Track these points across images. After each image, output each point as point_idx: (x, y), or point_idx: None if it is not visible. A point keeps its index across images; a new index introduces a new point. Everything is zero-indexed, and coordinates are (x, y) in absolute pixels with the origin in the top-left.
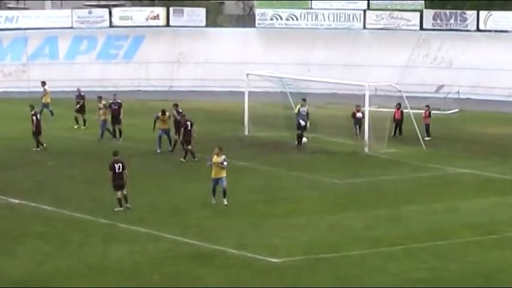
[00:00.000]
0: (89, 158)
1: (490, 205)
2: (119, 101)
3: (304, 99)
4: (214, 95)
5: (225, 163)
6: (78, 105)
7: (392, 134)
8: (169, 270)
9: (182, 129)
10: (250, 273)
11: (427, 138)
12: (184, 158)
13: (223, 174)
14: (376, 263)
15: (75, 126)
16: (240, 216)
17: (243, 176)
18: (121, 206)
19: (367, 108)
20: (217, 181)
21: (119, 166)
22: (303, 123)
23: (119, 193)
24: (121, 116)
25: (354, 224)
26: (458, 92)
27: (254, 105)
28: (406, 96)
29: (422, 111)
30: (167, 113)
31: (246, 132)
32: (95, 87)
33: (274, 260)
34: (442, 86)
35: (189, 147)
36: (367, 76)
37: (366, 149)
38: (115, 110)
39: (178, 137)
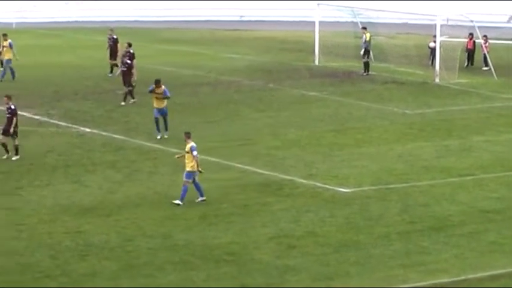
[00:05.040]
0: None
1: None
2: (115, 36)
3: (364, 28)
4: (285, 25)
5: (195, 152)
6: None
7: (466, 64)
8: (237, 198)
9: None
10: (319, 202)
11: (485, 68)
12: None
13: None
14: (446, 192)
15: None
16: (309, 146)
17: (313, 106)
18: None
19: (438, 38)
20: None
21: None
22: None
23: None
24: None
25: (423, 154)
26: None
27: (324, 34)
28: (478, 27)
29: (482, 41)
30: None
31: (317, 62)
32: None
33: (343, 190)
34: None
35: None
36: (438, 6)
37: (437, 79)
38: (111, 46)
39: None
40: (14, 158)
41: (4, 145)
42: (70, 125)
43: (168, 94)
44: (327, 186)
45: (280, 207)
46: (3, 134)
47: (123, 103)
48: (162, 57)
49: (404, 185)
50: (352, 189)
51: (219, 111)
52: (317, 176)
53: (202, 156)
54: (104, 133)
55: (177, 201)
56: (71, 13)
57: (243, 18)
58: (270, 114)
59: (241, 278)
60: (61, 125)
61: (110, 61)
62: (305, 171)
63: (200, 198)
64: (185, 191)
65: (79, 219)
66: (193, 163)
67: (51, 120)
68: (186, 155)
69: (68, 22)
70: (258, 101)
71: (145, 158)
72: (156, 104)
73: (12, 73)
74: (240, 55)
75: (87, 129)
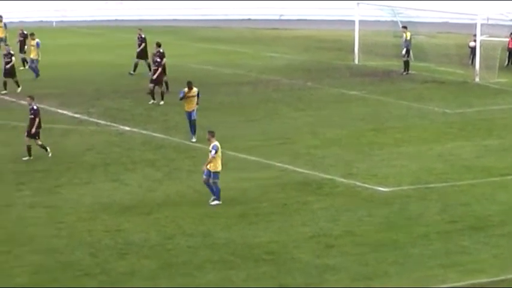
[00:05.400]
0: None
1: None
2: (143, 35)
3: (404, 27)
4: (324, 24)
5: (212, 152)
6: None
7: (506, 63)
8: (276, 197)
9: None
10: (358, 201)
11: None
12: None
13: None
14: (486, 192)
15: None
16: (349, 145)
17: (353, 105)
18: None
19: (478, 38)
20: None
21: None
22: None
23: None
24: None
25: (463, 154)
26: None
27: (364, 33)
28: None
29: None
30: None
31: (356, 61)
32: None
33: (382, 189)
34: None
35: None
36: (479, 5)
37: (477, 78)
38: (140, 45)
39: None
40: (50, 155)
41: (29, 147)
42: (110, 124)
43: (200, 95)
44: (366, 185)
45: (320, 206)
46: (27, 136)
47: (161, 102)
48: (202, 56)
49: (444, 184)
50: (392, 189)
51: (259, 110)
52: (356, 175)
53: (243, 155)
54: (143, 131)
55: (215, 202)
56: (111, 12)
57: (283, 17)
58: (310, 113)
59: (280, 277)
60: (101, 123)
61: (136, 60)
62: (344, 170)
63: (213, 198)
64: (218, 190)
65: (119, 218)
66: (218, 163)
67: (91, 119)
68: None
69: (108, 21)
70: (298, 99)
71: (185, 156)
72: (186, 107)
73: (36, 72)
74: (280, 54)
75: (127, 128)
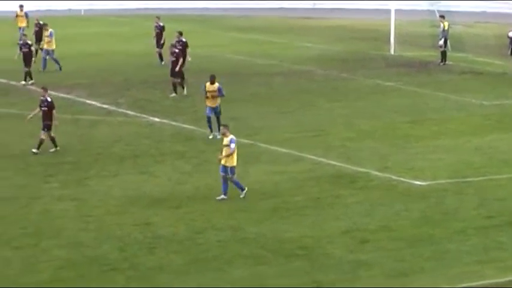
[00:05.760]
0: (229, 77)
1: None
2: (161, 24)
3: (442, 16)
4: (358, 13)
5: (232, 145)
6: None
7: None
8: (309, 190)
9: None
10: (393, 195)
11: None
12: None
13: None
14: None
15: None
16: (384, 138)
17: (388, 97)
18: None
19: None
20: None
21: None
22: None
23: None
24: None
25: (501, 147)
26: None
27: (400, 23)
28: None
29: None
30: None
31: (392, 51)
32: None
33: (418, 183)
34: None
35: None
36: None
37: None
38: (158, 34)
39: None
40: (51, 150)
41: (52, 139)
42: (139, 115)
43: (223, 92)
44: (402, 179)
45: (354, 200)
46: (43, 129)
47: (184, 93)
48: (234, 46)
49: (481, 178)
50: (428, 182)
51: (292, 101)
52: (392, 168)
53: (275, 148)
54: (173, 123)
55: (242, 194)
56: (140, 0)
57: (316, 6)
58: (344, 105)
59: (313, 273)
60: (129, 114)
61: (157, 50)
62: (380, 163)
63: (222, 196)
64: (237, 182)
65: (147, 211)
66: (235, 157)
67: (120, 110)
68: (225, 149)
69: (138, 9)
70: (332, 91)
71: (215, 148)
72: (208, 103)
73: (58, 63)
74: (313, 44)
75: (156, 119)
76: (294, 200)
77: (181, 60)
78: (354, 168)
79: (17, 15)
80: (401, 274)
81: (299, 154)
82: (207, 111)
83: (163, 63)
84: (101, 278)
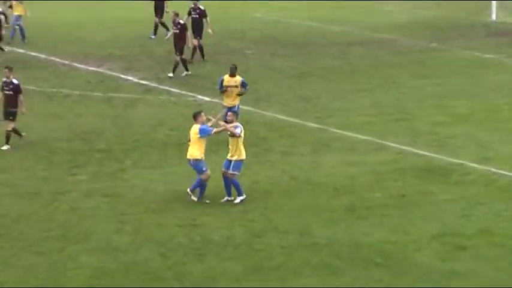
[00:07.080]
0: (297, 48)
1: None
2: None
3: None
4: None
5: (238, 130)
6: None
7: None
8: (392, 186)
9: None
10: (494, 192)
11: None
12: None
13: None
14: None
15: None
16: (482, 123)
17: (488, 72)
18: None
19: None
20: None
21: None
22: None
23: None
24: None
25: None
26: None
27: None
28: None
29: None
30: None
31: (493, 17)
32: None
33: None
34: None
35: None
36: None
37: None
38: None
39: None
40: (4, 148)
41: (9, 134)
42: (185, 93)
43: (247, 87)
44: (505, 172)
45: (446, 197)
46: (5, 118)
47: (170, 74)
48: (307, 11)
49: None
50: None
51: (372, 77)
52: (493, 159)
53: (350, 134)
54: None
55: (237, 200)
56: None
57: None
58: (435, 82)
59: (395, 285)
60: (174, 92)
61: (155, 18)
62: (478, 153)
63: (226, 198)
64: (237, 184)
65: (195, 210)
66: (242, 149)
67: (162, 87)
68: (231, 140)
69: None
70: (420, 64)
71: (279, 134)
72: (225, 101)
73: (22, 32)
74: (400, 7)
75: (206, 98)
76: (374, 197)
77: (188, 33)
78: (447, 159)
79: None
80: (504, 286)
81: (380, 142)
82: (224, 112)
83: (154, 37)
84: None
